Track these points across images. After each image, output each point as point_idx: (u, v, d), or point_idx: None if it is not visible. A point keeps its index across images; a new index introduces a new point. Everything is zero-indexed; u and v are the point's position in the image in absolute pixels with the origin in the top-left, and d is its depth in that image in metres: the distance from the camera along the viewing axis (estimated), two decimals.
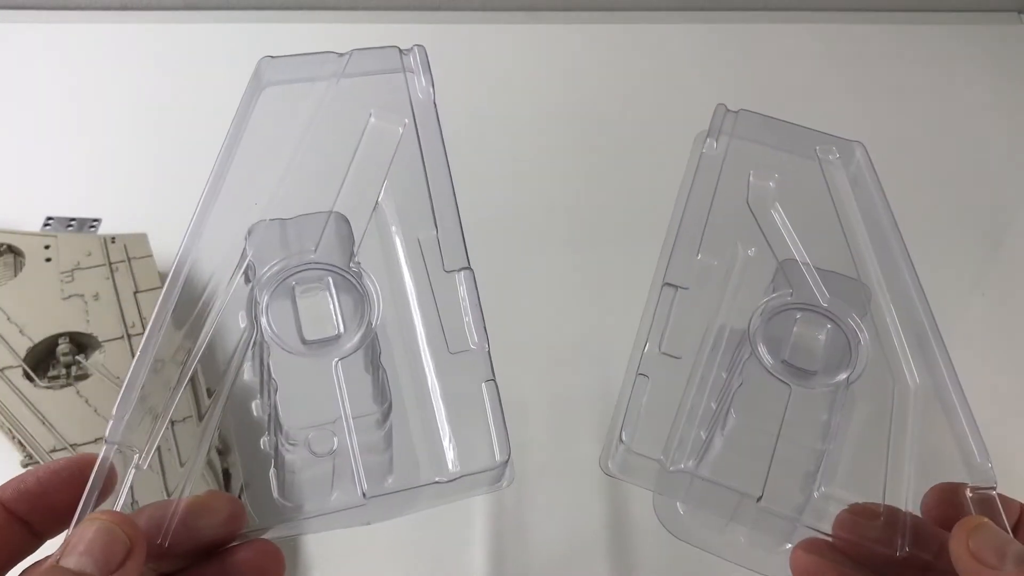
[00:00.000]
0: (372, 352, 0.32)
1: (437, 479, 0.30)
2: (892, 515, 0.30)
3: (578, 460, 0.48)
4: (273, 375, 0.31)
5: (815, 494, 0.32)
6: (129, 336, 0.49)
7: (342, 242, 0.33)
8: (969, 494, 0.30)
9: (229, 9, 0.73)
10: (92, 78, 0.67)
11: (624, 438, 0.32)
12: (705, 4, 0.76)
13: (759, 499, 0.31)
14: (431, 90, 0.37)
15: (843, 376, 0.34)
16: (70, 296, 0.51)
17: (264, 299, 0.32)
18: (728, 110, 0.41)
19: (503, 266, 0.56)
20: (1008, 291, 0.57)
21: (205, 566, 0.28)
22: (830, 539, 0.30)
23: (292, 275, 0.32)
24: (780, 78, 0.71)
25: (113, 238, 0.54)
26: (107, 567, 0.24)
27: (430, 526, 0.47)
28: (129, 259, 0.52)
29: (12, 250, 0.53)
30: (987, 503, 0.29)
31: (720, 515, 0.33)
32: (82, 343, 0.50)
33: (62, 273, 0.52)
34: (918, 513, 0.30)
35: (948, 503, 0.30)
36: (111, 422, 0.28)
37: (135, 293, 0.50)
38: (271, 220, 0.33)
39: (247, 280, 0.32)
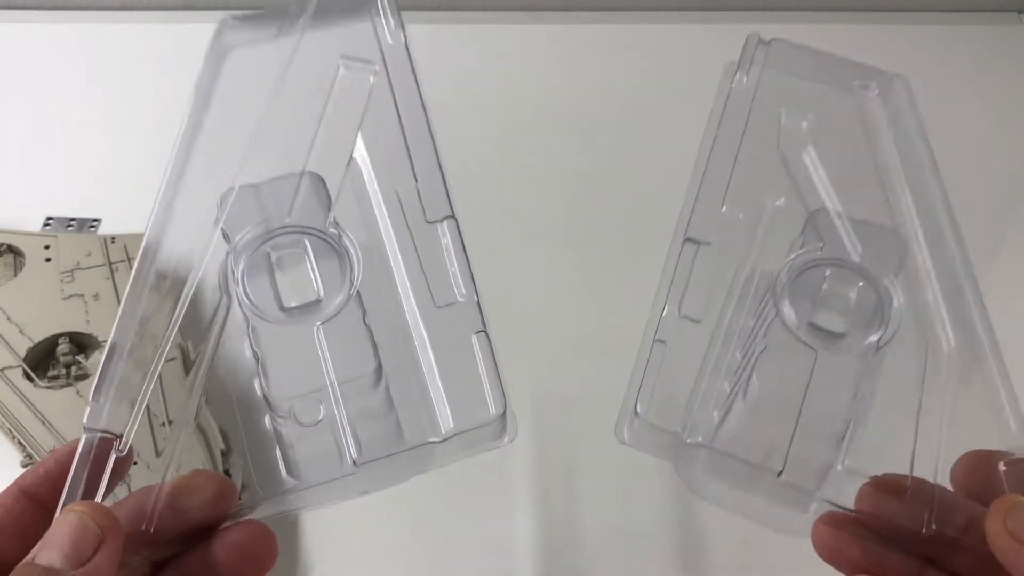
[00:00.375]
0: (356, 314, 0.30)
1: (432, 439, 0.28)
2: (919, 489, 0.28)
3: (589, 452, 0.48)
4: (255, 347, 0.30)
5: (839, 467, 0.30)
6: None
7: (318, 202, 0.31)
8: (1003, 466, 0.28)
9: (229, 9, 0.73)
10: (92, 78, 0.67)
11: (639, 410, 0.30)
12: (705, 4, 0.76)
13: (779, 474, 0.29)
14: (401, 33, 0.34)
15: (873, 338, 0.32)
16: (70, 296, 0.51)
17: (240, 268, 0.30)
18: (761, 40, 0.37)
19: (503, 266, 0.56)
20: (1009, 291, 0.57)
21: (197, 550, 0.27)
22: (853, 514, 0.29)
23: (267, 241, 0.31)
24: None
25: (113, 238, 0.53)
26: (77, 560, 0.23)
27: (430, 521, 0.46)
28: (129, 259, 0.52)
29: (12, 250, 0.53)
30: (1022, 473, 0.28)
31: (739, 487, 0.31)
32: (82, 343, 0.50)
33: (62, 273, 0.52)
34: (947, 485, 0.28)
35: (980, 472, 0.28)
36: (88, 409, 0.27)
37: None
38: (242, 186, 0.31)
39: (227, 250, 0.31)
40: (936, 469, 0.29)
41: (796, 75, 0.36)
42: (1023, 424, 0.29)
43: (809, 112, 0.35)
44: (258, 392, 0.30)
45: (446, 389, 0.29)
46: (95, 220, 0.56)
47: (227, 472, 0.41)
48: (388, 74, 0.33)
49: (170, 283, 0.30)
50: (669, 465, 0.32)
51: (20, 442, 0.46)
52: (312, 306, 0.30)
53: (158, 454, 0.38)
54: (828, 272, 0.33)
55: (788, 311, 0.32)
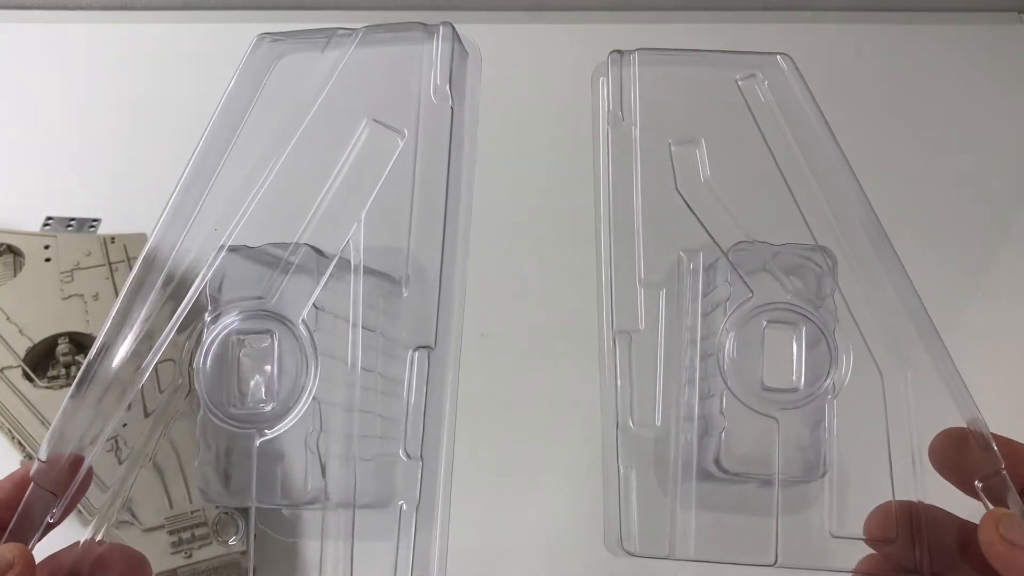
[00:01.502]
0: (302, 432, 0.28)
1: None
2: (905, 534, 0.30)
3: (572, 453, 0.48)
4: (201, 439, 0.28)
5: (828, 533, 0.30)
6: None
7: (303, 284, 0.28)
8: (979, 484, 0.29)
9: (229, 9, 0.73)
10: (92, 78, 0.67)
11: (626, 547, 0.29)
12: (705, 4, 0.76)
13: (774, 563, 0.29)
14: (448, 90, 0.29)
15: (828, 381, 0.30)
16: (70, 296, 0.51)
17: (205, 346, 0.28)
18: (622, 53, 0.34)
19: (503, 266, 0.56)
20: (1008, 291, 0.57)
21: None
22: None
23: (239, 321, 0.28)
24: None
25: (113, 238, 0.54)
26: None
27: None
28: (129, 259, 0.52)
29: (12, 250, 0.53)
30: (996, 490, 0.29)
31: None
32: (82, 343, 0.50)
33: (62, 273, 0.52)
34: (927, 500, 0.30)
35: (954, 448, 0.30)
36: (35, 464, 0.27)
37: None
38: (231, 250, 0.28)
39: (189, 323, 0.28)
40: (918, 496, 0.30)
41: (672, 88, 0.34)
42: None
43: (699, 133, 0.32)
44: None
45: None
46: (95, 220, 0.56)
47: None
48: (417, 140, 0.29)
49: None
50: None
51: (20, 442, 0.46)
52: (258, 414, 0.27)
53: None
54: (766, 323, 0.31)
55: (737, 385, 0.30)
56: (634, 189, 0.32)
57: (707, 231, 0.31)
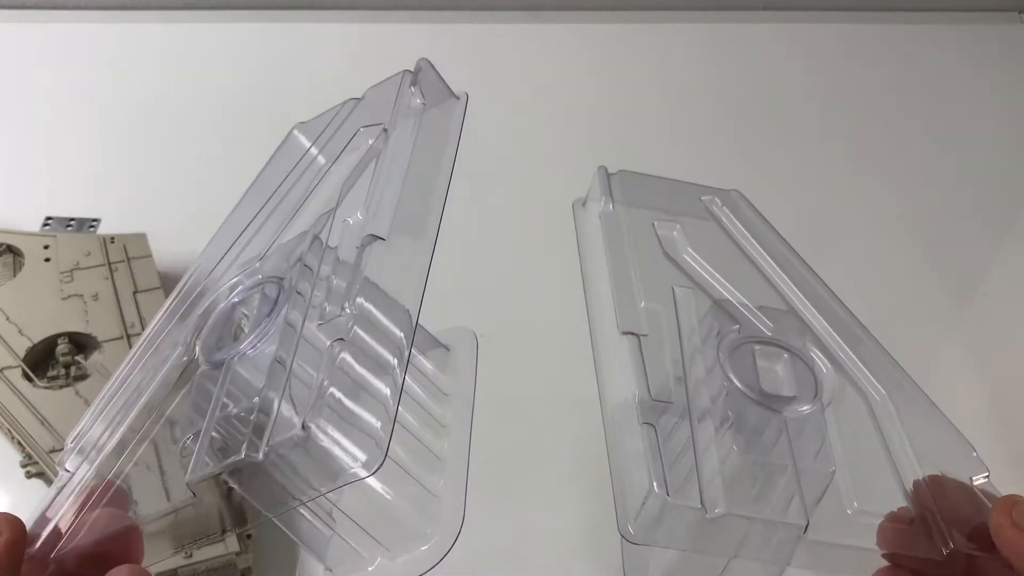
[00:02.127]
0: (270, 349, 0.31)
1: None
2: (923, 517, 0.30)
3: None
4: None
5: (849, 511, 0.31)
6: (128, 336, 0.49)
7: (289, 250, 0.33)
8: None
9: (229, 9, 0.73)
10: (92, 78, 0.67)
11: (657, 488, 0.30)
12: (705, 4, 0.76)
13: (805, 529, 0.30)
14: (420, 91, 0.37)
15: (818, 398, 0.34)
16: (69, 296, 0.51)
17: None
18: (609, 173, 0.42)
19: (503, 266, 0.56)
20: (1009, 291, 0.57)
21: None
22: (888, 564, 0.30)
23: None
24: (780, 78, 0.71)
25: (112, 238, 0.53)
26: None
27: None
28: (128, 259, 0.52)
29: (12, 250, 0.53)
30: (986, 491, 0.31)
31: (776, 561, 0.31)
32: (81, 343, 0.50)
33: (61, 273, 0.52)
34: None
35: (933, 491, 0.31)
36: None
37: (134, 293, 0.50)
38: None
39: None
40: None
41: (649, 199, 0.41)
42: (969, 447, 0.33)
43: (676, 223, 0.40)
44: None
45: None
46: (94, 220, 0.56)
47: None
48: (384, 155, 0.35)
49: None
50: None
51: (19, 442, 0.46)
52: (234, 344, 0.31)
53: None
54: (756, 348, 0.35)
55: (738, 382, 0.34)
56: (630, 254, 0.38)
57: (693, 281, 0.38)
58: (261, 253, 0.34)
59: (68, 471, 0.30)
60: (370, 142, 0.35)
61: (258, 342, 0.30)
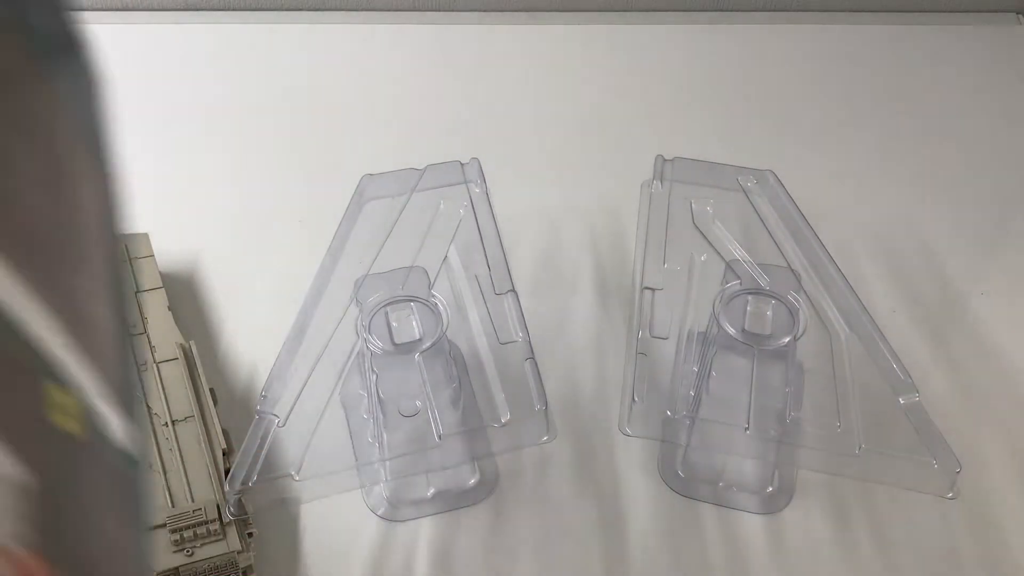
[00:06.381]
0: (444, 348, 0.44)
1: (493, 424, 0.42)
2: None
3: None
4: (374, 368, 0.43)
5: (787, 419, 0.43)
6: (131, 336, 0.49)
7: (423, 283, 0.45)
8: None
9: (230, 10, 0.74)
10: None
11: (636, 398, 0.43)
12: (705, 4, 0.76)
13: (747, 429, 0.41)
14: (484, 185, 0.51)
15: (790, 337, 0.44)
16: None
17: (367, 321, 0.44)
18: (665, 159, 0.53)
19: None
20: (1009, 291, 0.57)
21: None
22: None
23: (387, 305, 0.45)
24: (780, 78, 0.71)
25: None
26: None
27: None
28: (130, 259, 0.52)
29: None
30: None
31: (717, 449, 0.45)
32: None
33: None
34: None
35: None
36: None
37: (136, 293, 0.50)
38: (371, 275, 0.46)
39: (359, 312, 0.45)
40: (854, 414, 0.43)
41: (696, 183, 0.52)
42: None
43: (711, 200, 0.52)
44: (371, 396, 0.44)
45: (506, 397, 0.43)
46: None
47: (227, 472, 0.41)
48: (473, 208, 0.50)
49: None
50: None
51: None
52: (414, 343, 0.43)
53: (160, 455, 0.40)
54: (749, 298, 0.46)
55: (727, 325, 0.45)
56: (667, 223, 0.51)
57: (713, 247, 0.49)
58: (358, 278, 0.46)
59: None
60: (461, 211, 0.50)
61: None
